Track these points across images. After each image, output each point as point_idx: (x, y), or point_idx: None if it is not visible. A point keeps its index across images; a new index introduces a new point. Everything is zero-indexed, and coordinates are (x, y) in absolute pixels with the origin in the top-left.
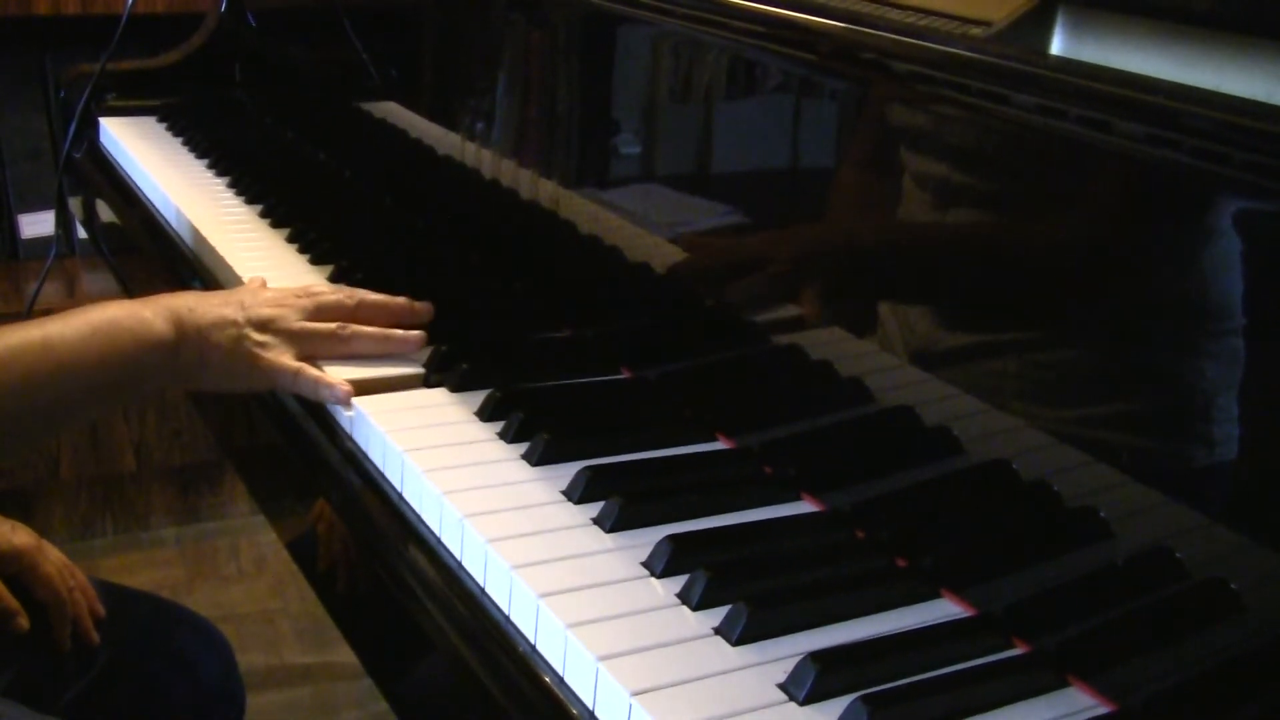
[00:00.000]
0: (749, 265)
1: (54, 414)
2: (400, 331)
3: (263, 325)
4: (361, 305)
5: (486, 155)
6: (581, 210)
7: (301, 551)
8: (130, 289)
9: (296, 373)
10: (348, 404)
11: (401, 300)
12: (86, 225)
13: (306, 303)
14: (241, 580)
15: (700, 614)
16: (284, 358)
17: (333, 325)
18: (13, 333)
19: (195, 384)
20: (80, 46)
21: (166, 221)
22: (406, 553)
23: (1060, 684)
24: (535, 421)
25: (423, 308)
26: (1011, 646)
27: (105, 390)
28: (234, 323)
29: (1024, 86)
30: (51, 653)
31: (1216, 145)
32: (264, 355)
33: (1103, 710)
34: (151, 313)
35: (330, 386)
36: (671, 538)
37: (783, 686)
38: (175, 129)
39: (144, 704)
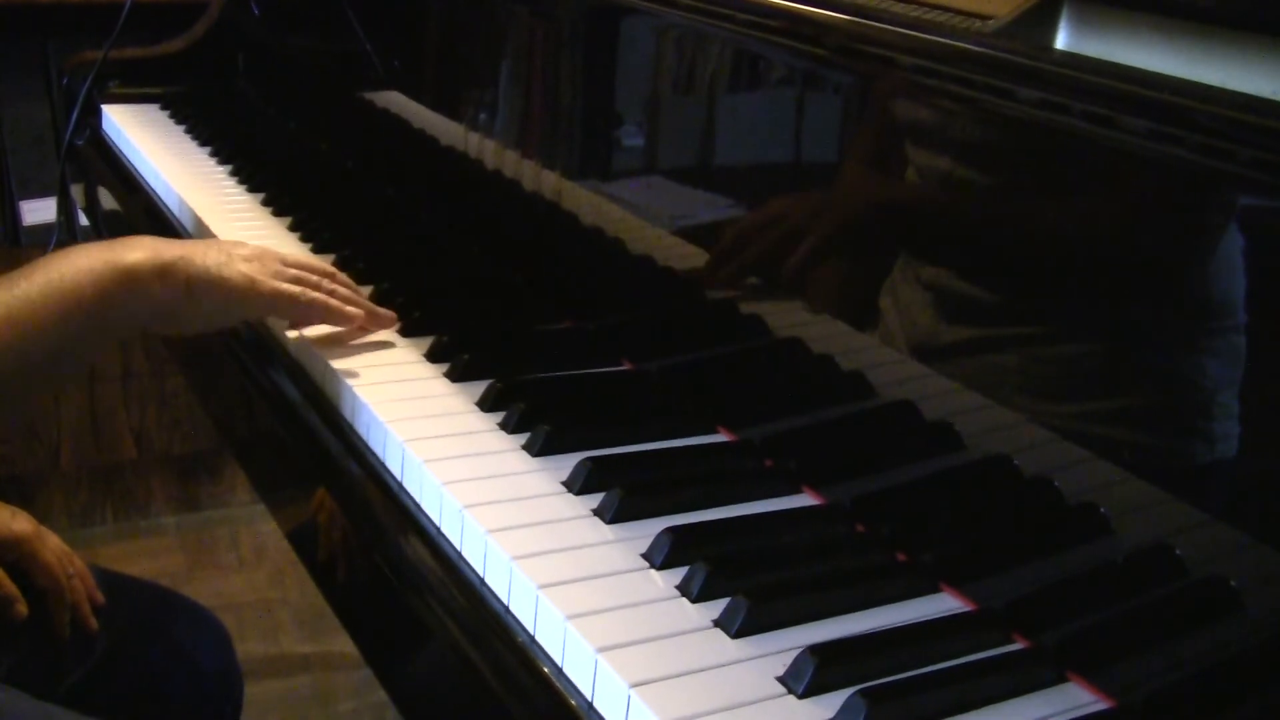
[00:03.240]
0: (750, 257)
1: (39, 366)
2: (376, 309)
3: (248, 257)
4: (334, 275)
5: (489, 146)
6: (584, 202)
7: (301, 541)
8: None
9: (296, 297)
10: (357, 331)
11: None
12: (88, 213)
13: (287, 254)
14: (241, 569)
15: (700, 606)
16: (285, 284)
17: (316, 276)
18: None
19: (179, 318)
20: (83, 34)
21: (168, 209)
22: (406, 543)
23: (1059, 680)
24: (536, 412)
25: (387, 314)
26: (1011, 642)
27: (87, 330)
28: (219, 248)
29: (1028, 81)
30: (50, 640)
31: (1220, 141)
32: (260, 278)
33: (1102, 706)
34: (124, 246)
35: (341, 311)
36: (671, 530)
37: (781, 680)
38: (178, 117)
39: (143, 692)
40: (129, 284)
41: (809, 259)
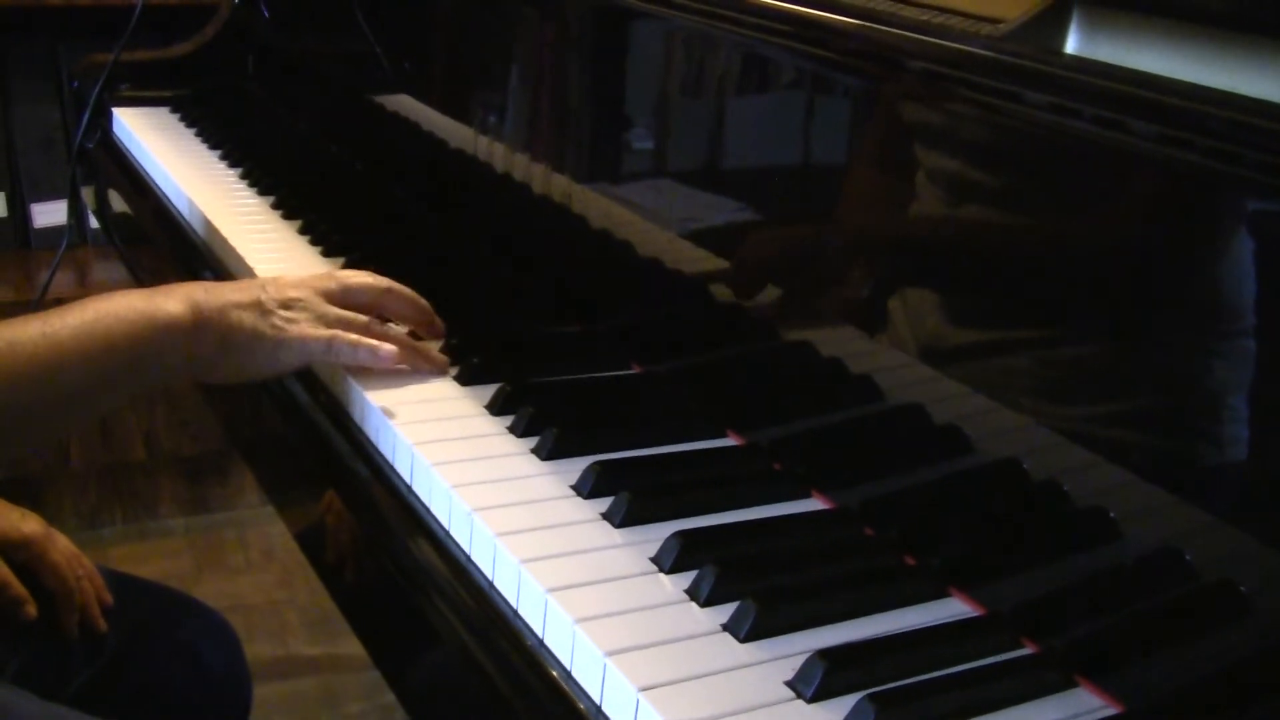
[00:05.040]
0: (760, 262)
1: (63, 405)
2: (430, 347)
3: (288, 304)
4: (390, 291)
5: (499, 149)
6: (593, 205)
7: (310, 543)
8: (141, 279)
9: (330, 340)
10: (392, 363)
11: (425, 303)
12: (99, 215)
13: (332, 285)
14: (249, 571)
15: (708, 610)
16: (313, 329)
17: (364, 318)
18: (12, 327)
19: (216, 369)
20: (93, 36)
21: (178, 212)
22: (415, 545)
23: (1068, 684)
24: (545, 416)
25: (439, 324)
26: (1020, 646)
27: (117, 377)
28: (257, 302)
29: (1038, 85)
30: (59, 641)
31: (1230, 146)
32: (291, 329)
33: (1111, 711)
34: (164, 296)
35: (372, 348)
36: (680, 534)
37: (790, 684)
38: (188, 120)
39: (151, 693)
40: (162, 336)
41: (829, 268)
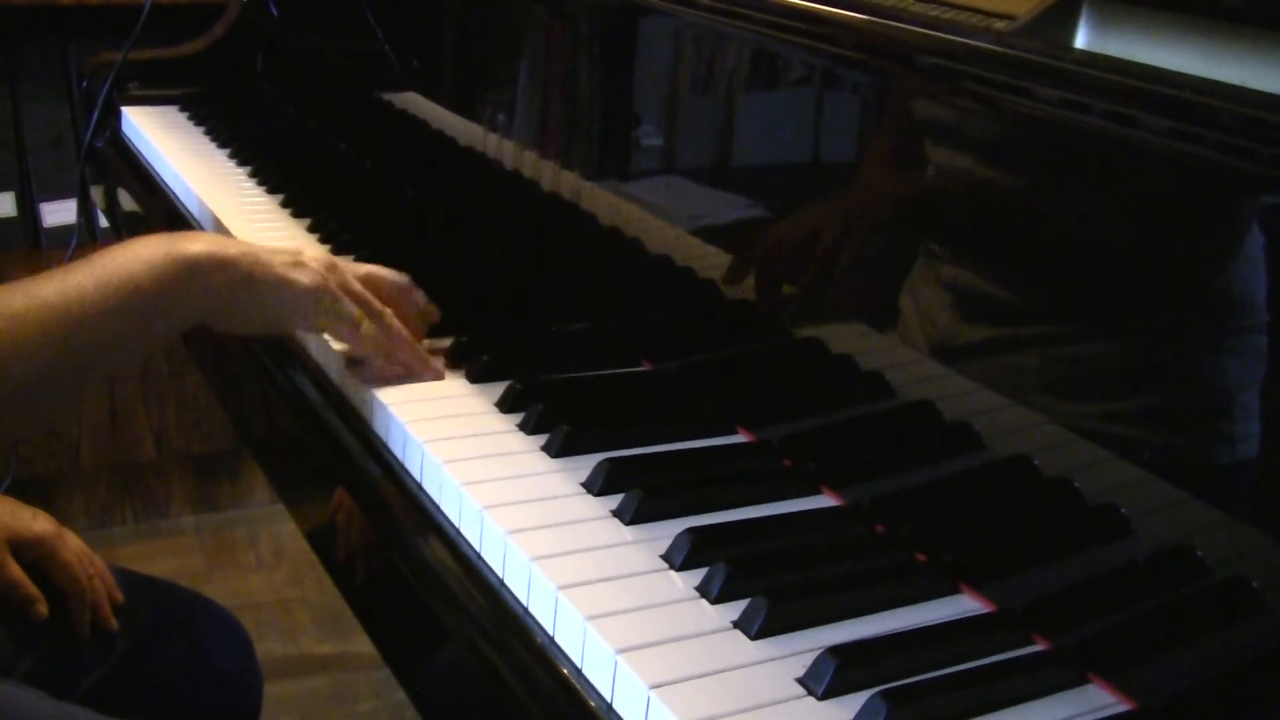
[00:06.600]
0: (770, 259)
1: (93, 356)
2: (435, 361)
3: (315, 261)
4: (411, 291)
5: (508, 146)
6: (602, 202)
7: (320, 541)
8: None
9: (357, 327)
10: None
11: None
12: (108, 214)
13: (361, 269)
14: (260, 569)
15: (719, 607)
16: (350, 307)
17: (384, 309)
18: (31, 285)
19: (239, 314)
20: (103, 35)
21: (188, 210)
22: (425, 543)
23: (1080, 681)
24: (555, 413)
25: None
26: (1031, 643)
27: (143, 320)
28: (288, 251)
29: (1048, 80)
30: (70, 640)
31: (1242, 140)
32: (331, 290)
33: (1122, 708)
34: (185, 238)
35: (388, 359)
36: (691, 530)
37: (801, 681)
38: (197, 118)
39: (162, 692)
40: (187, 274)
41: (840, 264)
